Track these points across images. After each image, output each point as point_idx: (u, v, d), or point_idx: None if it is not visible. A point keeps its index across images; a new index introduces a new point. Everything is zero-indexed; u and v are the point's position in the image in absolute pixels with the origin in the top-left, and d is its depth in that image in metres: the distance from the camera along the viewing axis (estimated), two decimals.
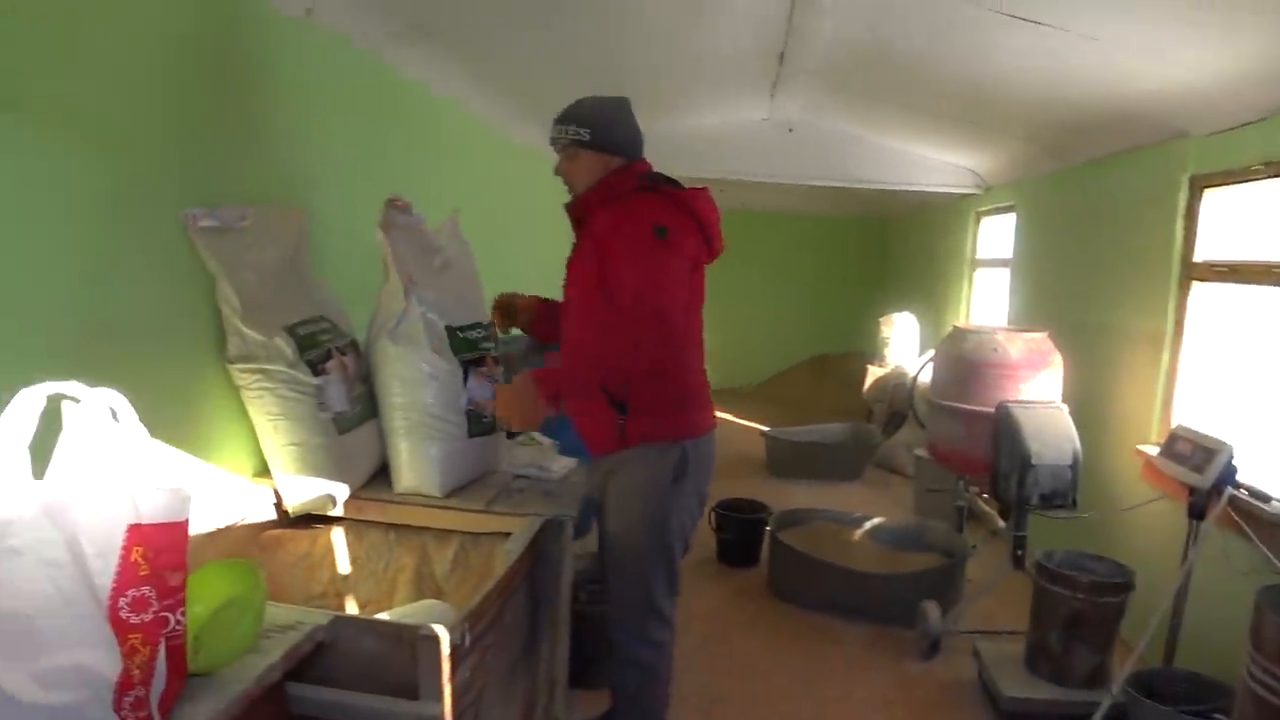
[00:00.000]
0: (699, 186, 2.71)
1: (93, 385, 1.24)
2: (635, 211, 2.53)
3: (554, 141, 2.67)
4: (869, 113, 5.40)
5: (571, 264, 2.70)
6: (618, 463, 2.68)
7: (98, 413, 1.19)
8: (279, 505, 2.49)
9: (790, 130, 5.97)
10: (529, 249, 5.98)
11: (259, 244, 2.43)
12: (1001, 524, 4.75)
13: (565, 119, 2.64)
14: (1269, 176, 3.37)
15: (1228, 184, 3.69)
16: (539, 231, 5.99)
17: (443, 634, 1.68)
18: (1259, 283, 3.44)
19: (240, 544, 2.35)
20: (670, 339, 2.49)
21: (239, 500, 2.37)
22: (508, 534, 2.44)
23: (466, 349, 2.70)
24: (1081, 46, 3.24)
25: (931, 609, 3.88)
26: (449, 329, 2.68)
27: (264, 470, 2.52)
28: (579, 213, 2.71)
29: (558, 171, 2.73)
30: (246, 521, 2.40)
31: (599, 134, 2.61)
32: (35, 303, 1.78)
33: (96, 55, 1.90)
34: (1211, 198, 3.82)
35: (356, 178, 3.13)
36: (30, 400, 1.16)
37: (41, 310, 1.79)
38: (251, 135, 2.52)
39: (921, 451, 5.51)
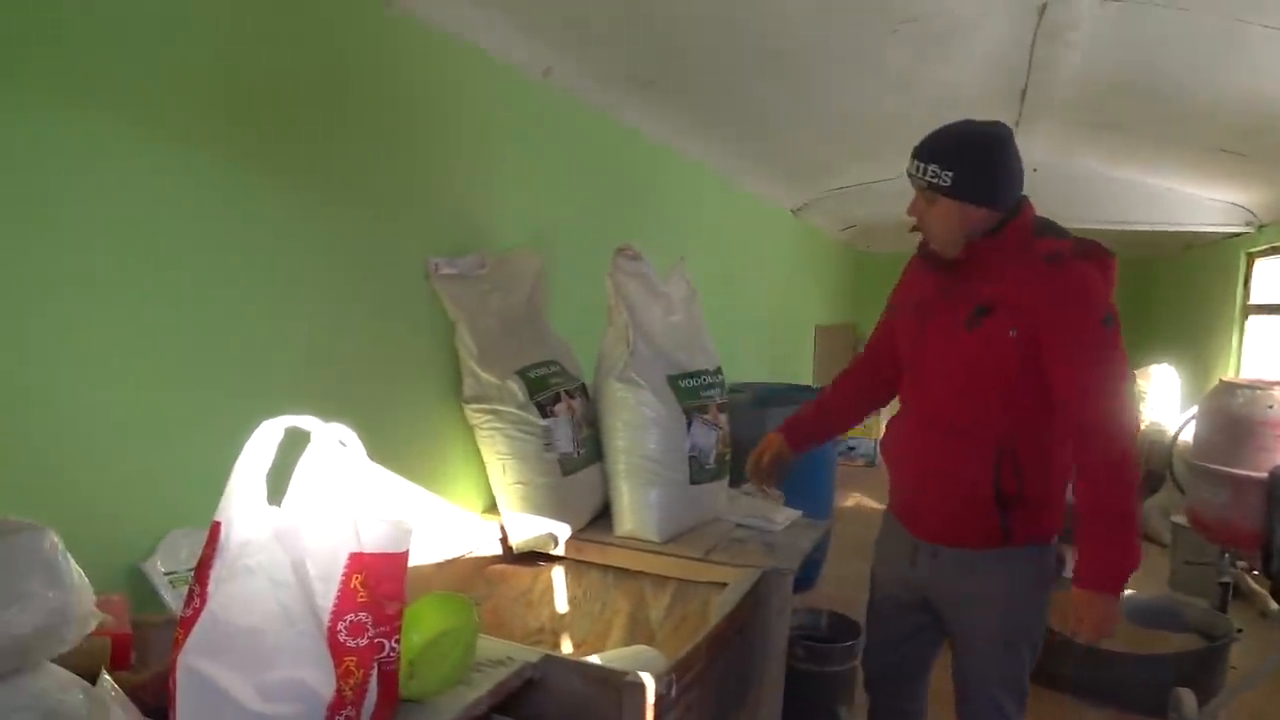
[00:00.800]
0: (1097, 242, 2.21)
1: (339, 420, 1.34)
2: (1085, 286, 2.06)
3: (910, 177, 2.17)
4: (1119, 148, 5.02)
5: (988, 335, 2.09)
6: (983, 562, 2.20)
7: (330, 445, 1.27)
8: (504, 541, 2.58)
9: (1034, 170, 5.64)
10: (769, 295, 5.99)
11: (496, 290, 2.56)
12: (1274, 606, 4.19)
13: (928, 155, 2.12)
14: None
15: None
16: (770, 279, 5.99)
17: (649, 682, 1.66)
18: None
19: (466, 576, 2.45)
20: None
21: (468, 534, 2.49)
22: (725, 584, 2.40)
23: (688, 397, 2.71)
24: None
25: (1187, 697, 3.46)
26: (669, 377, 2.70)
27: (493, 507, 2.63)
28: (967, 254, 2.14)
29: (909, 212, 2.21)
30: (474, 555, 2.51)
31: (965, 179, 2.09)
32: (293, 345, 1.96)
33: (348, 117, 2.09)
34: None
35: (587, 225, 3.24)
36: (270, 432, 1.26)
37: (299, 351, 1.97)
38: (489, 186, 2.67)
39: (1180, 519, 4.97)
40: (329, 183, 2.03)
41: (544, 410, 2.52)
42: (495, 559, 2.58)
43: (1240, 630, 4.05)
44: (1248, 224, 5.97)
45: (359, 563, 1.28)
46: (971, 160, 2.07)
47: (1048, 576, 2.20)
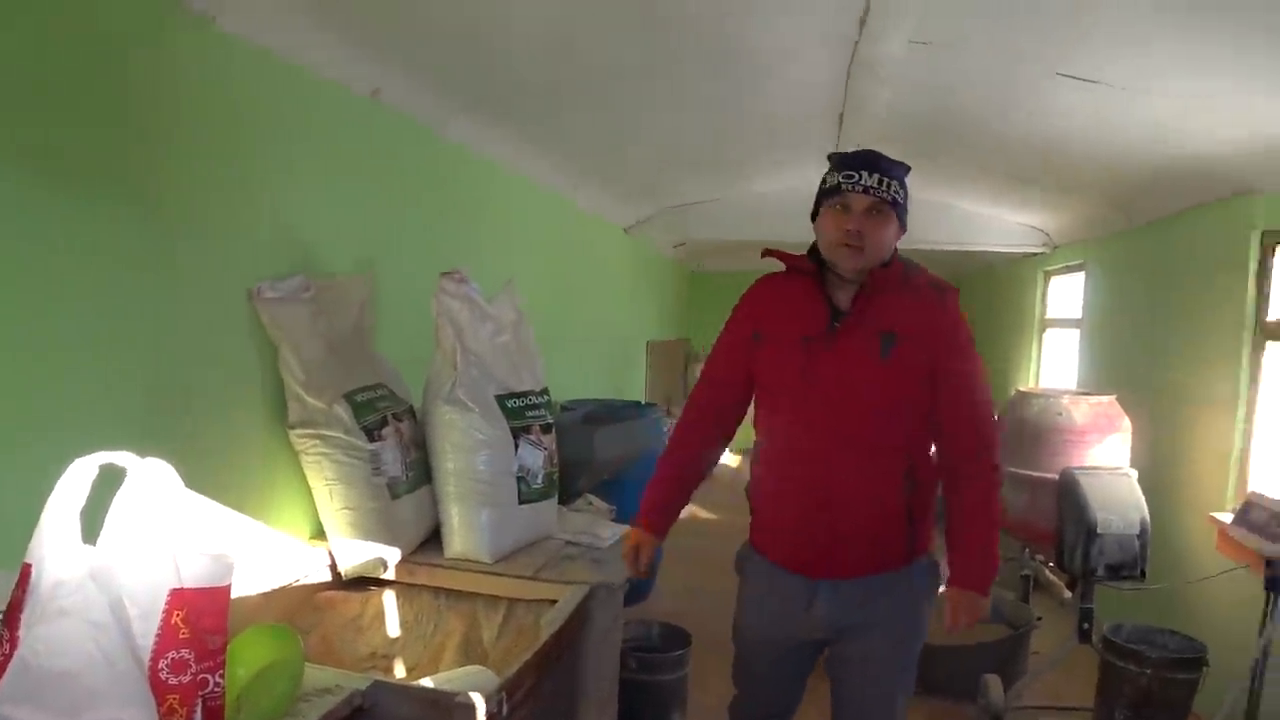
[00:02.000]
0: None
1: (158, 451, 1.32)
2: (961, 312, 2.23)
3: (869, 190, 2.10)
4: (932, 174, 5.39)
5: (902, 361, 2.15)
6: (894, 583, 2.25)
7: (146, 481, 1.26)
8: (334, 567, 2.55)
9: None
10: (603, 312, 6.08)
11: (322, 313, 2.53)
12: (1068, 595, 4.60)
13: (886, 170, 2.13)
14: None
15: None
16: (603, 296, 6.10)
17: (479, 702, 1.70)
18: None
19: (295, 605, 2.42)
20: None
21: (296, 562, 2.45)
22: (555, 601, 2.46)
23: (514, 417, 2.76)
24: (1144, 104, 3.21)
25: (994, 683, 3.76)
26: (497, 398, 2.75)
27: (321, 533, 2.59)
28: (870, 283, 2.17)
29: (850, 226, 2.12)
30: (302, 583, 2.47)
31: (906, 201, 2.18)
32: (108, 373, 1.89)
33: (168, 135, 2.04)
34: None
35: (416, 247, 3.24)
36: (83, 469, 1.24)
37: (115, 380, 1.91)
38: (316, 208, 2.65)
39: None
40: (146, 202, 1.97)
41: (371, 434, 2.51)
42: (324, 586, 2.54)
43: (1040, 618, 4.41)
44: (1044, 245, 6.51)
45: (180, 599, 1.27)
46: (907, 184, 2.19)
47: (936, 585, 2.32)
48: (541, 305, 3.04)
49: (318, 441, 2.46)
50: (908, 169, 2.20)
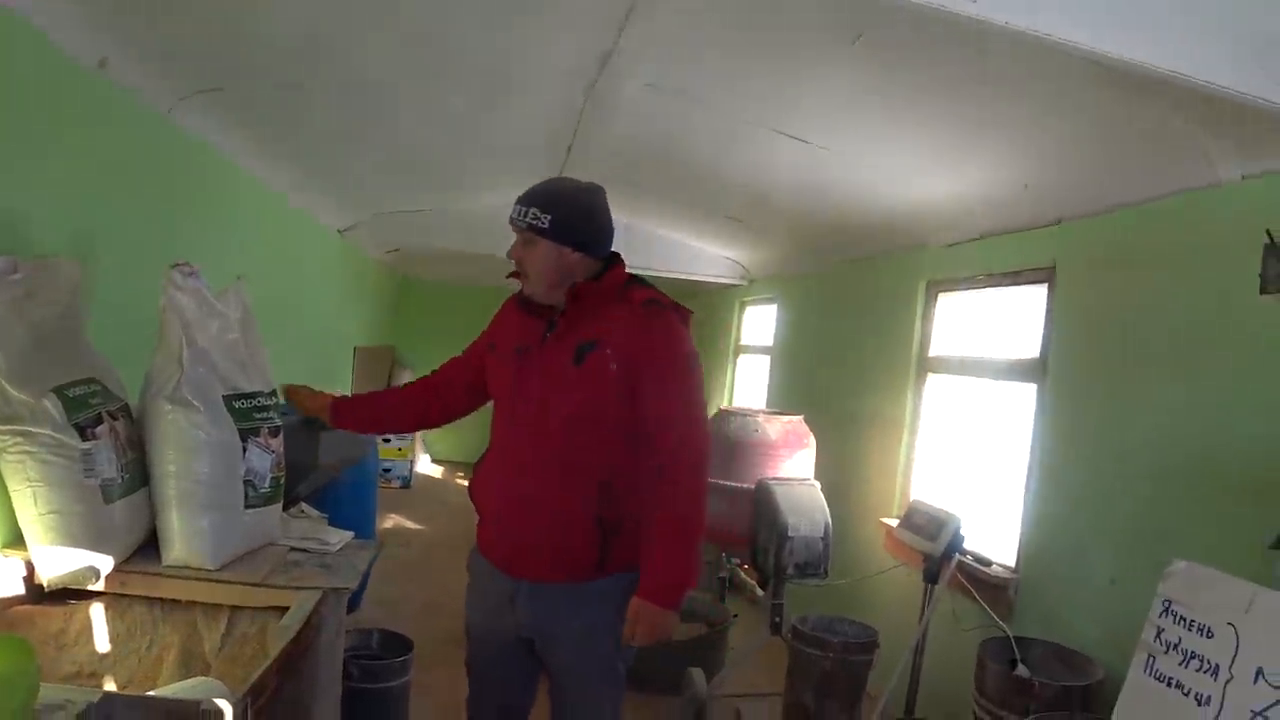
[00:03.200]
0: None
1: None
2: (677, 331, 2.35)
3: (512, 221, 2.32)
4: (647, 204, 5.73)
5: (594, 368, 2.27)
6: (586, 595, 2.33)
7: None
8: (30, 579, 2.32)
9: None
10: (315, 314, 5.87)
11: (30, 298, 2.30)
12: (761, 593, 5.04)
13: (529, 200, 2.31)
14: (988, 285, 3.96)
15: (956, 289, 4.23)
16: (315, 296, 5.90)
17: (226, 708, 1.64)
18: (980, 375, 3.96)
19: None
20: None
21: None
22: (283, 608, 2.38)
23: (242, 419, 2.65)
24: (841, 165, 3.66)
25: (697, 675, 4.05)
26: (225, 398, 2.63)
27: (15, 542, 2.35)
28: (571, 298, 2.32)
29: (510, 254, 2.36)
30: None
31: (563, 224, 2.29)
32: None
33: None
34: (944, 300, 4.35)
35: (136, 234, 3.02)
36: None
37: None
38: (27, 183, 2.41)
39: None
40: None
41: (84, 433, 2.32)
42: (18, 600, 2.30)
43: (736, 615, 4.79)
44: (742, 277, 7.07)
45: None
46: (569, 208, 2.31)
47: None
48: (255, 304, 2.91)
49: (21, 439, 2.23)
50: (576, 196, 2.35)
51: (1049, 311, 3.45)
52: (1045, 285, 3.49)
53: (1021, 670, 2.84)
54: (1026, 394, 3.55)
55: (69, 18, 2.40)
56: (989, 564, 3.54)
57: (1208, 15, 1.90)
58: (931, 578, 3.47)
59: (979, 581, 3.43)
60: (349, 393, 7.03)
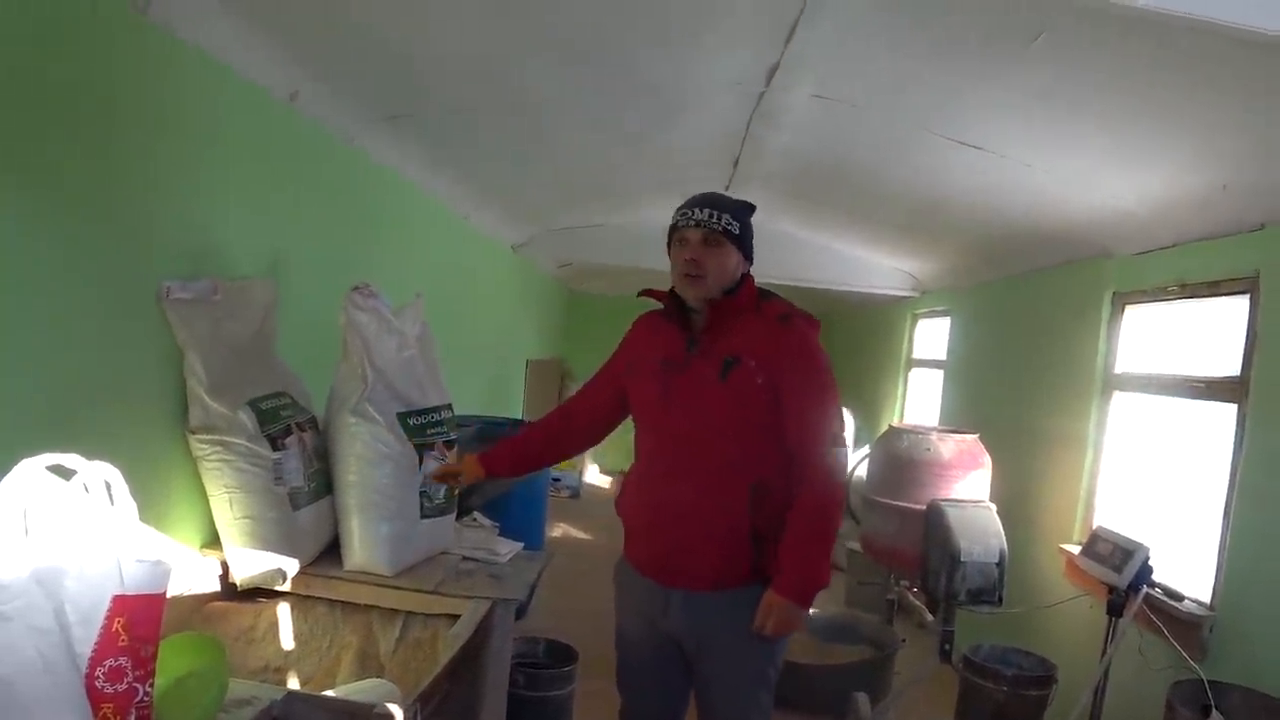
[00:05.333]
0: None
1: (61, 450, 1.29)
2: (812, 342, 2.39)
3: (700, 224, 2.34)
4: (816, 216, 5.65)
5: (741, 382, 2.31)
6: (739, 601, 2.34)
7: (92, 484, 1.24)
8: (225, 578, 2.49)
9: None
10: (489, 328, 6.07)
11: (229, 317, 2.48)
12: (930, 618, 4.85)
13: (718, 205, 2.36)
14: (1181, 297, 3.64)
15: (1146, 302, 3.94)
16: (490, 312, 6.10)
17: (397, 713, 1.70)
18: (1172, 394, 3.66)
19: (183, 616, 2.34)
20: None
21: (185, 571, 2.38)
22: (454, 616, 2.47)
23: (416, 434, 2.76)
24: (1017, 171, 3.49)
25: (862, 701, 3.93)
26: (400, 415, 2.74)
27: (212, 542, 2.53)
28: (712, 311, 2.36)
29: (690, 258, 2.34)
30: (191, 593, 2.40)
31: (745, 232, 2.40)
32: (12, 366, 1.81)
33: (86, 124, 1.98)
34: (1132, 313, 4.07)
35: (322, 254, 3.20)
36: (29, 470, 1.21)
37: (19, 374, 1.83)
38: (227, 210, 2.59)
39: (855, 545, 5.63)
40: (59, 192, 1.90)
41: (275, 443, 2.48)
42: (214, 596, 2.48)
43: (904, 640, 4.63)
44: (914, 289, 6.86)
45: (122, 605, 1.25)
46: (747, 219, 2.43)
47: None
48: (436, 321, 3.03)
49: (219, 448, 2.40)
50: (749, 207, 2.46)
51: (1251, 325, 3.16)
52: (1247, 296, 3.20)
53: (1216, 718, 2.60)
54: (1224, 415, 3.26)
55: (264, 55, 2.58)
56: (1180, 599, 3.26)
57: None
58: (1116, 611, 3.23)
59: (1169, 618, 3.17)
60: (521, 413, 7.33)
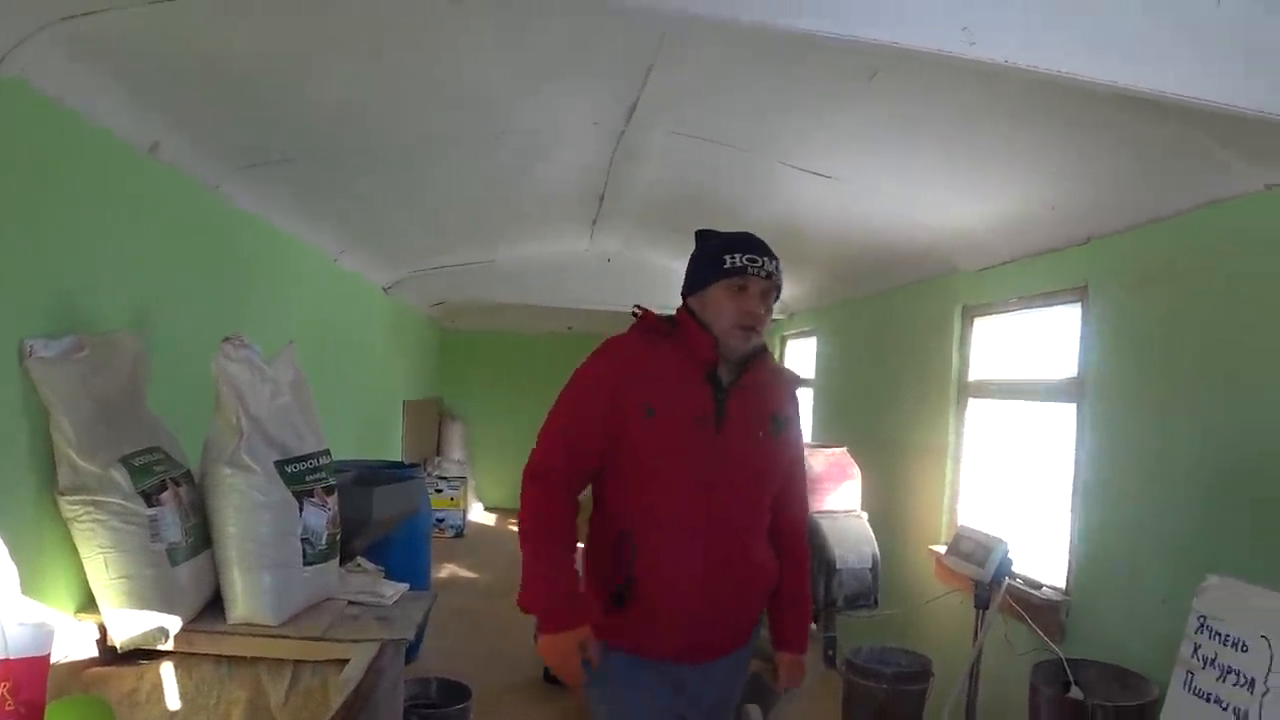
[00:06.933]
0: None
1: None
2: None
3: (761, 273, 2.18)
4: (684, 247, 5.72)
5: (791, 440, 2.32)
6: (745, 657, 2.45)
7: None
8: (103, 641, 2.42)
9: (609, 260, 6.40)
10: (364, 371, 6.01)
11: (95, 373, 2.43)
12: (812, 626, 5.02)
13: (766, 251, 2.22)
14: (1022, 307, 3.98)
15: (992, 313, 4.24)
16: (363, 354, 6.04)
17: None
18: (1021, 398, 3.97)
19: (61, 683, 2.26)
20: None
21: (61, 638, 2.30)
22: (343, 661, 2.46)
23: (295, 481, 2.74)
24: (869, 196, 3.72)
25: (755, 712, 4.04)
26: (277, 464, 2.72)
27: (88, 606, 2.46)
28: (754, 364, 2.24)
29: (752, 310, 2.18)
30: (68, 660, 2.32)
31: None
32: None
33: None
34: (980, 324, 4.36)
35: (191, 305, 3.15)
36: None
37: None
38: (91, 264, 2.55)
39: None
40: None
41: (149, 499, 2.43)
42: (93, 662, 2.41)
43: None
44: (781, 311, 7.09)
45: (7, 670, 1.25)
46: None
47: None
48: (306, 364, 3.02)
49: (91, 508, 2.34)
50: None
51: (1084, 330, 3.45)
52: (1079, 304, 3.50)
53: (1075, 692, 2.82)
54: (1068, 415, 3.54)
55: (121, 106, 2.55)
56: (1039, 586, 3.52)
57: (1209, 38, 1.92)
58: (983, 603, 3.45)
59: (1030, 605, 3.41)
60: (400, 455, 7.20)
